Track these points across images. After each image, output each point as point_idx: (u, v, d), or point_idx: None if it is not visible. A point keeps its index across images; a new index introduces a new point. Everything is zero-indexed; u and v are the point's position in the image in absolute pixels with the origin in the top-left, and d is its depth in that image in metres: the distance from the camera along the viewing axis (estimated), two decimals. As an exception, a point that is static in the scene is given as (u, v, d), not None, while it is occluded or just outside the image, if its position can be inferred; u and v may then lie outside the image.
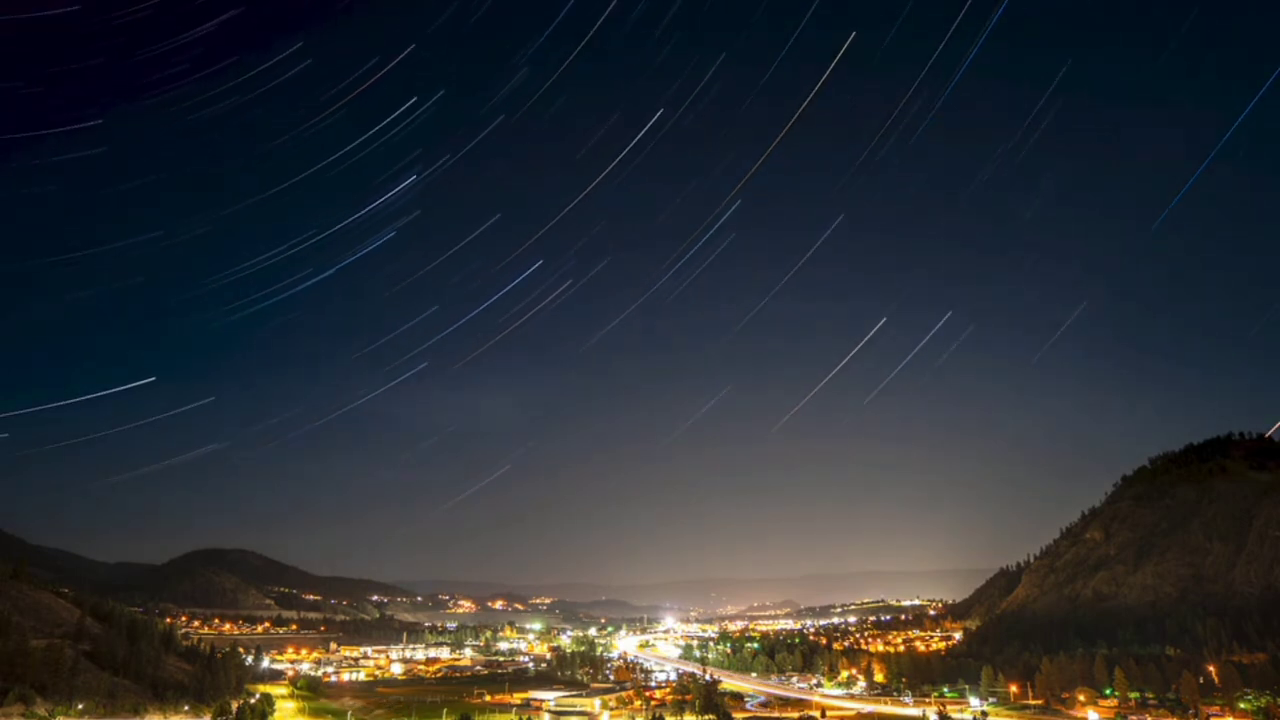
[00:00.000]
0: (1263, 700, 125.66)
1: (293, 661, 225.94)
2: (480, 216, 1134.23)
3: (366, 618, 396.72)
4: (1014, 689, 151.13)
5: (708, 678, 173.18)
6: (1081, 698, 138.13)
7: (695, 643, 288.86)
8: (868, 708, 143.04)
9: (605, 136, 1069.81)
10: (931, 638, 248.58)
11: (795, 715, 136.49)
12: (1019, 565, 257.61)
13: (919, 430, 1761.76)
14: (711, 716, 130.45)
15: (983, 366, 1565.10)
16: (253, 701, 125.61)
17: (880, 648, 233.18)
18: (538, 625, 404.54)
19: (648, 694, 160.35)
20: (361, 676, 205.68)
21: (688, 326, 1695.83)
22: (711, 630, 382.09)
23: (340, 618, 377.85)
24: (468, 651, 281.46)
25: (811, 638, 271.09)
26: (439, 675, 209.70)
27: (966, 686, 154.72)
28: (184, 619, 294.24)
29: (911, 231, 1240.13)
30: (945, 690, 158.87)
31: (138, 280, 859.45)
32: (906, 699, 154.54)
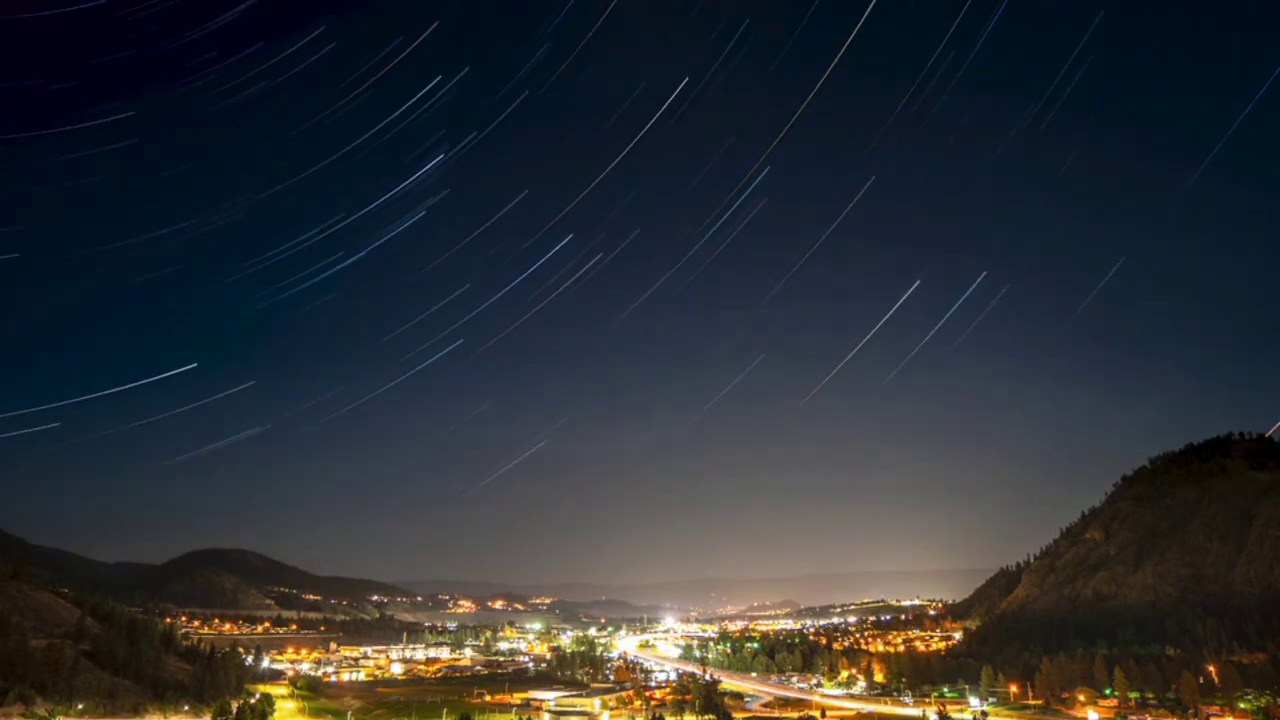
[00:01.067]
0: (1263, 700, 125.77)
1: (293, 661, 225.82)
2: (509, 193, 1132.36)
3: (366, 618, 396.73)
4: (1014, 689, 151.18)
5: (708, 678, 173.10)
6: (1081, 698, 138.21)
7: (695, 643, 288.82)
8: (868, 708, 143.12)
9: (631, 107, 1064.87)
10: (931, 638, 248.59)
11: (795, 715, 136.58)
12: (1019, 565, 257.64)
13: (920, 430, 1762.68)
14: (711, 716, 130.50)
15: (1004, 343, 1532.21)
16: (253, 701, 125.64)
17: (880, 648, 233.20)
18: (538, 625, 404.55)
19: (648, 694, 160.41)
20: (361, 676, 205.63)
21: (718, 297, 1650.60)
22: (711, 630, 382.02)
23: (340, 618, 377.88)
24: (468, 651, 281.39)
25: (811, 638, 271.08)
26: (439, 675, 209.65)
27: (966, 686, 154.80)
28: (184, 619, 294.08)
29: (945, 191, 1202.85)
30: (945, 690, 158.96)
31: (178, 268, 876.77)
32: (906, 699, 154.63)
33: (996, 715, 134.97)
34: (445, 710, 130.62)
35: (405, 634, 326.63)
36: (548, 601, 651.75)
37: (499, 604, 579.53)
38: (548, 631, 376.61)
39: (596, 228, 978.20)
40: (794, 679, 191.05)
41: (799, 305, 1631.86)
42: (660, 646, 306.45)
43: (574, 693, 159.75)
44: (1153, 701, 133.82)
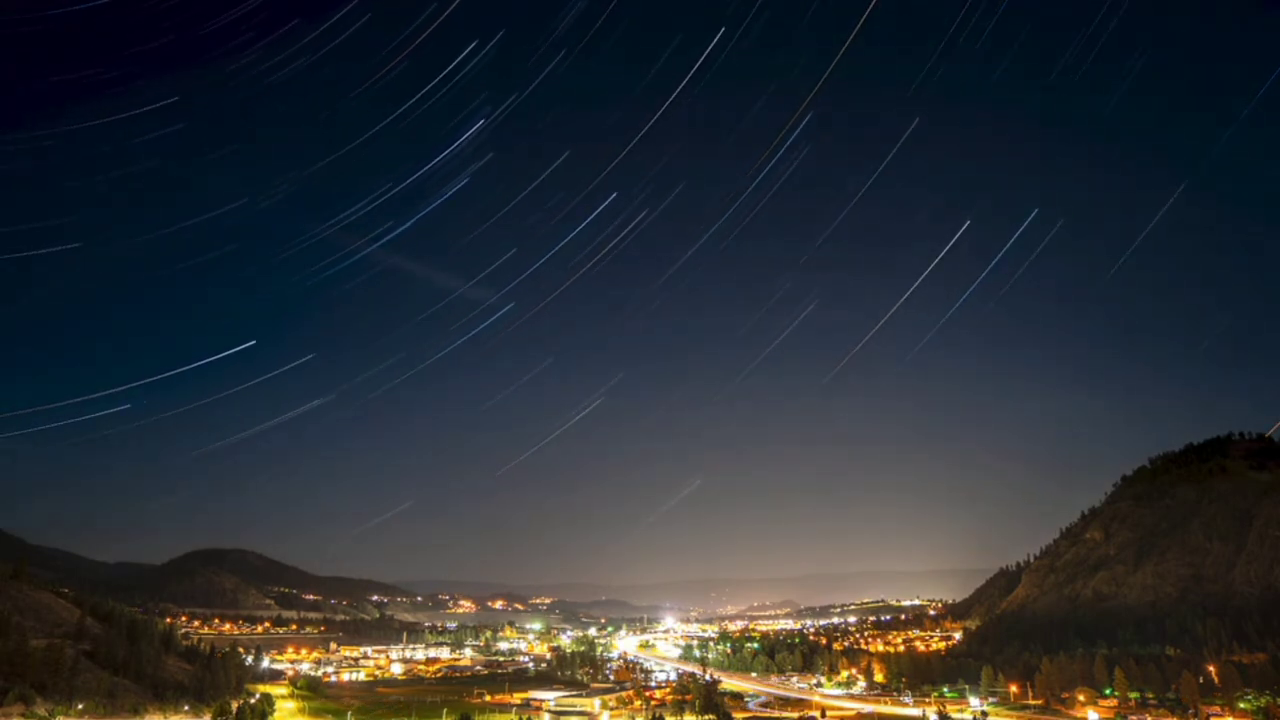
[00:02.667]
0: (1263, 700, 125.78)
1: (293, 661, 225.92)
2: (552, 153, 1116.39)
3: (366, 618, 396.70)
4: (1014, 689, 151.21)
5: (708, 678, 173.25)
6: (1081, 698, 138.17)
7: (695, 643, 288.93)
8: (868, 708, 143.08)
9: (669, 61, 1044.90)
10: (931, 638, 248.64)
11: (795, 715, 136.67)
12: (1019, 565, 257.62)
13: (920, 430, 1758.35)
14: (711, 716, 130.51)
15: (1009, 334, 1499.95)
16: (253, 701, 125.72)
17: (880, 648, 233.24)
18: (538, 625, 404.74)
19: (648, 694, 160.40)
20: (361, 676, 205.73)
21: (761, 252, 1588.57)
22: (711, 630, 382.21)
23: (340, 618, 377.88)
24: (468, 651, 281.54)
25: (811, 638, 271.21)
26: (439, 675, 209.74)
27: (966, 686, 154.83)
28: (184, 619, 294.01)
29: (992, 130, 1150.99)
30: (945, 690, 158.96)
31: (231, 248, 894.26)
32: (906, 699, 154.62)
33: (996, 715, 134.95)
34: (445, 710, 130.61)
35: (405, 634, 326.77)
36: (548, 601, 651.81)
37: (499, 604, 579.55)
38: (548, 631, 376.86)
39: (641, 183, 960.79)
40: (794, 679, 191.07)
41: (845, 256, 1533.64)
42: (660, 646, 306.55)
43: (574, 693, 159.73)
44: (1153, 701, 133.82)
